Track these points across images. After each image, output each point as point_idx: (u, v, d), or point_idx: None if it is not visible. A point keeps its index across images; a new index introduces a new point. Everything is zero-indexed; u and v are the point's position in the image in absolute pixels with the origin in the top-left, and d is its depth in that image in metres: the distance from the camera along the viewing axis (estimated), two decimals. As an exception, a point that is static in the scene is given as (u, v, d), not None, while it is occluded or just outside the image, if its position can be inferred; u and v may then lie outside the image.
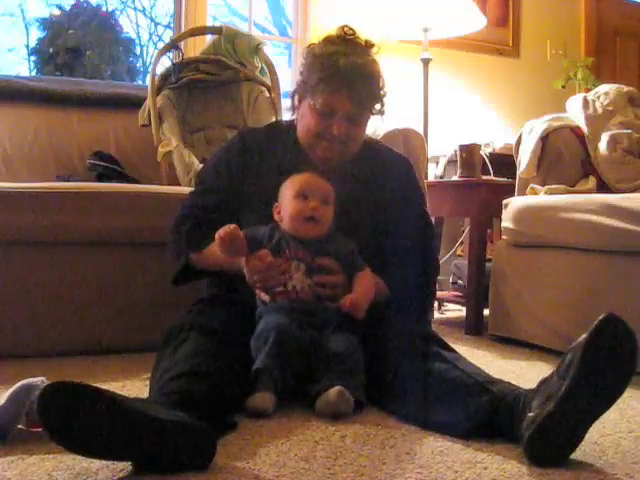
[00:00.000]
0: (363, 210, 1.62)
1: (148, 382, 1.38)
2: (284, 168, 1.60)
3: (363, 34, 1.61)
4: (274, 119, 2.57)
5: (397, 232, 1.62)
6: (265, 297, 1.46)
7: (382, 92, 1.59)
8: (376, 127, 1.73)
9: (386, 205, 1.64)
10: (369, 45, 1.59)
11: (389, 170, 1.69)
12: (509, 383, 1.27)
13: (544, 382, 1.15)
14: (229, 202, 1.63)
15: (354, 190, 1.62)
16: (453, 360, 1.35)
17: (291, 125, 1.67)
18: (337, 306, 1.44)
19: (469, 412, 1.21)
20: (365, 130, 1.64)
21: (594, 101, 2.59)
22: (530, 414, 1.11)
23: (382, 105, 1.61)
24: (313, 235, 1.49)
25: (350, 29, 1.60)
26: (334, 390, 1.29)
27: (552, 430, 1.08)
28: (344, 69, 1.50)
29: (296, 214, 1.48)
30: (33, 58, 4.24)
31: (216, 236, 1.39)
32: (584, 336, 1.09)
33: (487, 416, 1.19)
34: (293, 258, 1.46)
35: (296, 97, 1.62)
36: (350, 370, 1.36)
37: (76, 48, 3.99)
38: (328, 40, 1.58)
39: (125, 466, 1.03)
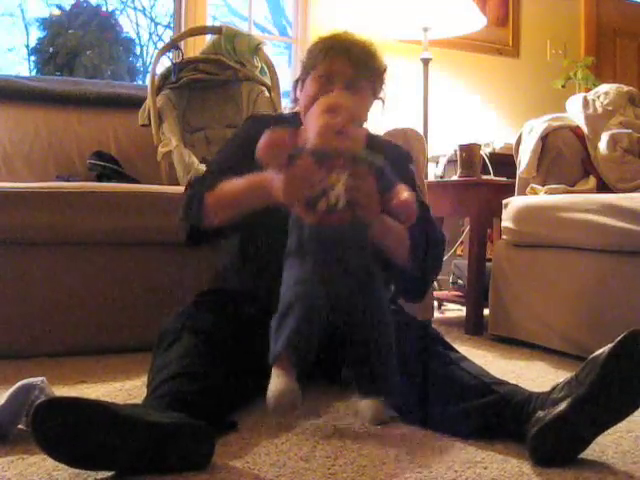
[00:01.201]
0: None
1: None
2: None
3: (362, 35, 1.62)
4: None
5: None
6: (310, 218, 1.26)
7: (382, 67, 1.59)
8: (376, 126, 1.68)
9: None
10: (369, 42, 1.60)
11: (389, 160, 1.67)
12: (515, 385, 1.27)
13: (559, 385, 1.15)
14: (241, 169, 1.46)
15: None
16: (457, 360, 1.35)
17: (295, 114, 1.66)
18: (370, 222, 1.31)
19: (474, 412, 1.21)
20: (366, 106, 1.59)
21: (594, 101, 2.59)
22: (540, 412, 1.11)
23: (382, 84, 1.60)
24: (345, 149, 1.28)
25: (348, 32, 1.61)
26: (375, 406, 1.21)
27: (559, 430, 1.08)
28: (343, 39, 1.55)
29: (325, 128, 1.26)
30: (33, 58, 4.22)
31: (265, 137, 1.23)
32: (608, 347, 1.10)
33: (492, 416, 1.19)
34: (333, 167, 1.27)
35: (299, 85, 1.61)
36: (384, 372, 1.24)
37: (76, 48, 3.98)
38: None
39: (125, 466, 1.03)
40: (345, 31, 1.61)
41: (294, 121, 1.63)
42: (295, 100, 1.64)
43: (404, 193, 1.28)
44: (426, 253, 1.49)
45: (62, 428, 0.94)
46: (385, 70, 1.60)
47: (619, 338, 1.09)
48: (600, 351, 1.11)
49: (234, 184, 1.39)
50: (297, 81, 1.63)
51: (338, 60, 1.52)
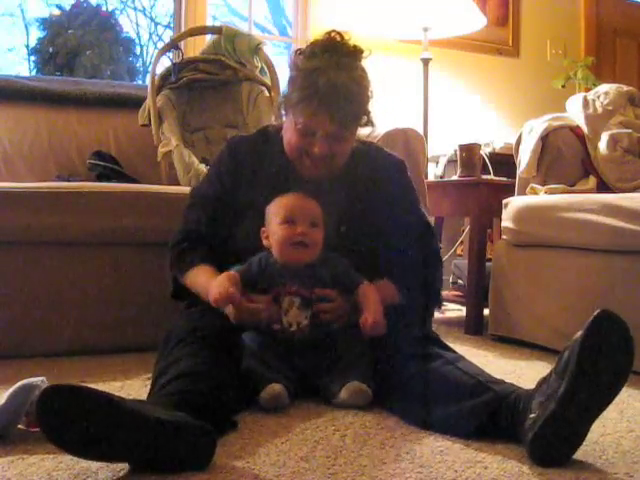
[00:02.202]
0: (359, 215, 1.59)
1: (148, 382, 1.38)
2: (273, 178, 1.59)
3: (352, 39, 1.53)
4: (274, 119, 2.57)
5: (394, 234, 1.59)
6: (264, 333, 1.44)
7: (367, 107, 1.55)
8: (372, 130, 1.66)
9: (381, 207, 1.61)
10: (358, 51, 1.53)
11: (381, 172, 1.65)
12: (511, 384, 1.27)
13: (543, 381, 1.15)
14: (222, 212, 1.61)
15: (348, 195, 1.59)
16: (454, 360, 1.35)
17: (279, 132, 1.64)
18: (338, 326, 1.47)
19: (470, 412, 1.21)
20: (351, 143, 1.59)
21: (594, 101, 2.59)
22: (532, 415, 1.11)
23: (368, 118, 1.57)
24: (304, 260, 1.45)
25: (338, 34, 1.53)
26: (355, 385, 1.36)
27: (555, 430, 1.08)
28: (323, 90, 1.45)
29: (284, 240, 1.45)
30: (33, 58, 4.23)
31: (213, 296, 1.38)
32: (580, 333, 1.10)
33: (488, 415, 1.19)
34: (286, 295, 1.43)
35: (282, 107, 1.60)
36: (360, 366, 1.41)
37: (76, 48, 3.99)
38: (313, 51, 1.52)
39: (125, 466, 1.03)
40: (332, 33, 1.53)
41: (276, 141, 1.63)
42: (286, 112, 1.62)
43: (370, 317, 1.40)
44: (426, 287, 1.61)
45: (66, 413, 0.94)
46: (370, 110, 1.56)
47: (588, 323, 1.09)
48: (573, 339, 1.10)
49: (202, 281, 1.50)
50: (281, 103, 1.61)
51: (318, 117, 1.48)
